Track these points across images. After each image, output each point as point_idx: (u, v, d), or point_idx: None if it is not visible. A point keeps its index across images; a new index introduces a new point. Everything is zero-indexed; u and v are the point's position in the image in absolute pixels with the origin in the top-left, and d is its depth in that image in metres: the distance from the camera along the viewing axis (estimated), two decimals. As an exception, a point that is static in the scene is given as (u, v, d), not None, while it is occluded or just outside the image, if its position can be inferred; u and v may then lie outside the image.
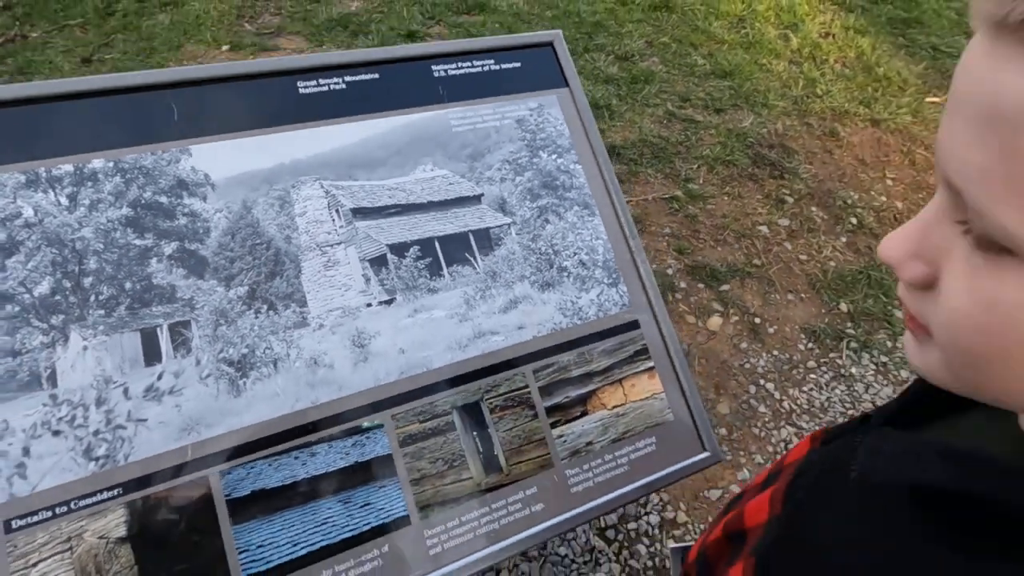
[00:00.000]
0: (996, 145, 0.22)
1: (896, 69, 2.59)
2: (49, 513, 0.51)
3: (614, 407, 0.68)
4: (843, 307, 1.78)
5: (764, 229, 1.92)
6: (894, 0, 3.09)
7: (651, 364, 0.72)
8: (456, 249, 0.68)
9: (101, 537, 0.51)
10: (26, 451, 0.52)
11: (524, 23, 2.69)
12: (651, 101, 2.31)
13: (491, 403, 0.64)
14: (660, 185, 1.99)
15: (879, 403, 1.58)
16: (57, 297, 0.57)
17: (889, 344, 1.71)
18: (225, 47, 2.40)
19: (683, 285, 1.75)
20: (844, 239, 1.94)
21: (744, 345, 1.65)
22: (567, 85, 0.80)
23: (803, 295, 1.79)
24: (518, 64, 0.78)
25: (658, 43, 2.65)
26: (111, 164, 0.62)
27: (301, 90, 0.69)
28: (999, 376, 0.25)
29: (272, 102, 0.68)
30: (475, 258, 0.68)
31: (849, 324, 1.74)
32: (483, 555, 0.59)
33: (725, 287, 1.76)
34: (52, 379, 0.55)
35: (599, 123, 2.15)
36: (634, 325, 0.73)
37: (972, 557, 0.25)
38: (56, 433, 0.54)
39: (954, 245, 0.26)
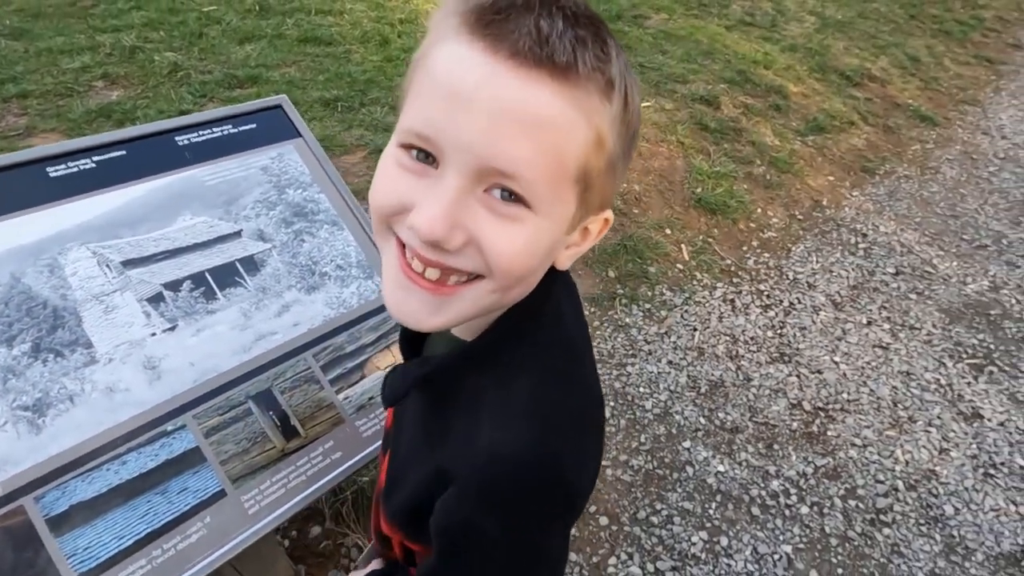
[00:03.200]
0: (537, 140, 0.34)
1: (616, 85, 3.22)
2: None
3: (386, 366, 0.88)
4: (611, 273, 2.19)
5: (540, 227, 2.29)
6: (607, 32, 3.83)
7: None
8: (226, 276, 0.83)
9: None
10: None
11: (299, 89, 2.86)
12: (428, 140, 2.61)
13: (281, 387, 0.80)
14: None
15: (650, 340, 1.99)
16: None
17: (649, 293, 2.15)
18: (-37, 157, 2.21)
19: (483, 286, 2.03)
20: (602, 222, 2.38)
21: (541, 322, 1.97)
22: (300, 135, 1.00)
23: (579, 272, 2.17)
24: (254, 125, 0.97)
25: (426, 91, 3.00)
26: None
27: (52, 174, 0.79)
28: (527, 284, 0.41)
29: (24, 189, 0.77)
30: (245, 280, 0.84)
31: (618, 286, 2.16)
32: (296, 500, 0.74)
33: (518, 280, 2.08)
34: None
35: (384, 166, 2.39)
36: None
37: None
38: None
39: (478, 213, 0.36)
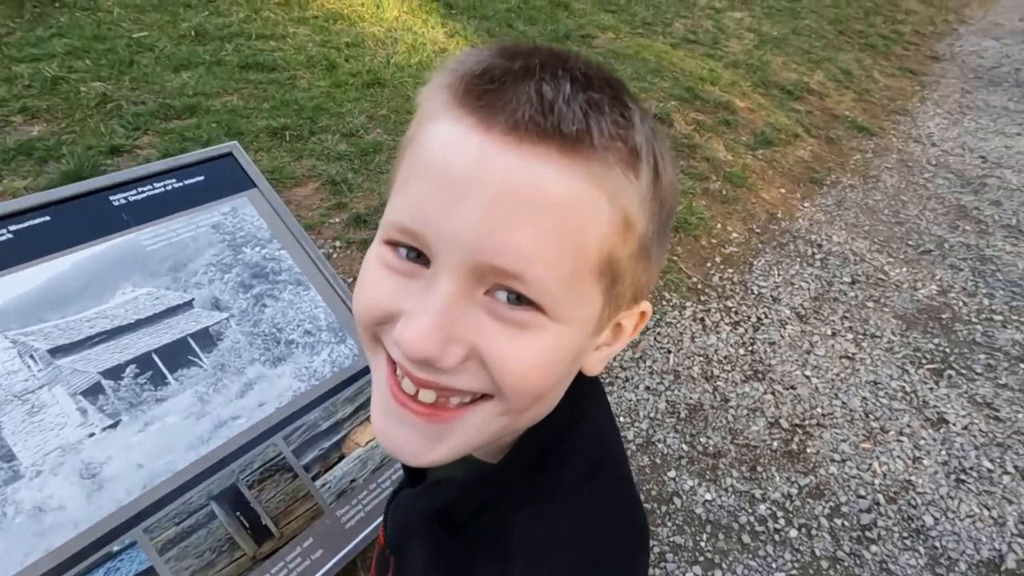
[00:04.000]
0: (548, 227, 0.27)
1: (571, 105, 3.23)
2: None
3: (367, 442, 0.79)
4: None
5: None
6: (557, 52, 3.85)
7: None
8: (177, 355, 0.73)
9: None
10: None
11: (242, 118, 2.72)
12: (384, 168, 2.52)
13: (248, 480, 0.70)
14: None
15: (626, 366, 1.95)
16: None
17: (621, 317, 2.12)
18: None
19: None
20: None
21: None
22: (255, 186, 0.90)
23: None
24: (202, 177, 0.87)
25: (378, 116, 2.91)
26: None
27: (-42, 250, 0.67)
28: (546, 403, 0.34)
29: (-77, 269, 0.65)
30: (200, 358, 0.74)
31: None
32: (273, 617, 0.64)
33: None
34: None
35: (339, 197, 2.29)
36: (368, 370, 0.85)
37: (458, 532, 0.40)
38: None
39: (480, 321, 0.30)
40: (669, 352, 2.02)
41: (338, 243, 2.12)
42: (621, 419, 1.78)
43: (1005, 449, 1.82)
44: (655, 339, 2.06)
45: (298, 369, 0.79)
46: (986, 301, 2.46)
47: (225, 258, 0.82)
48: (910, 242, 2.81)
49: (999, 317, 2.38)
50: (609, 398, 1.82)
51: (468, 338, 0.30)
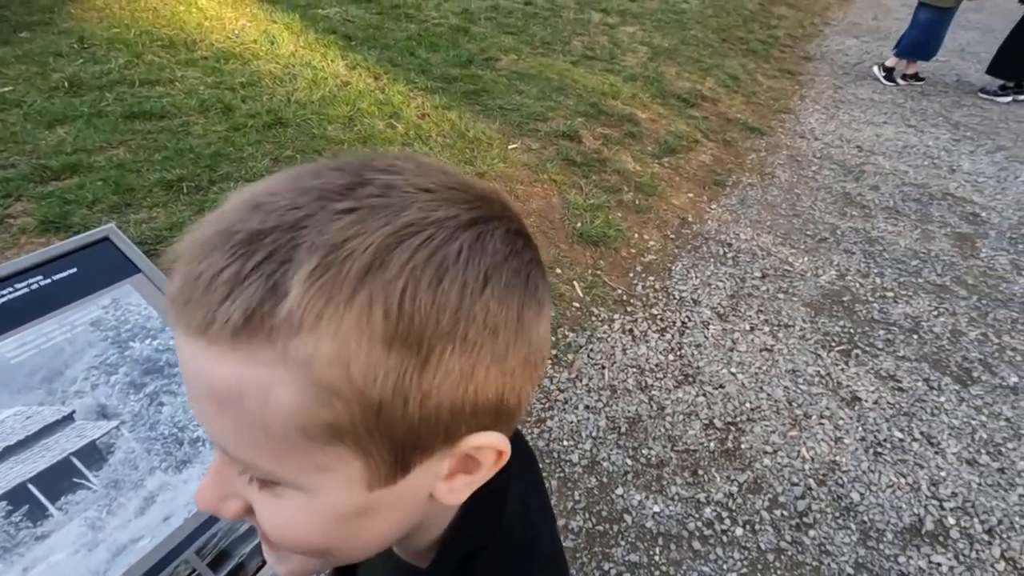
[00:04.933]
0: (231, 415, 0.29)
1: (481, 130, 3.25)
2: None
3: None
4: (512, 326, 2.15)
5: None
6: (462, 78, 3.88)
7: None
8: (59, 480, 0.65)
9: None
10: None
11: (132, 172, 2.53)
12: (294, 212, 2.42)
13: (159, 609, 0.63)
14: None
15: (564, 387, 1.96)
16: None
17: (553, 339, 2.14)
18: None
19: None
20: (493, 272, 2.34)
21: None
22: (139, 270, 0.83)
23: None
24: (74, 270, 0.78)
25: (283, 158, 2.80)
26: None
27: None
28: (345, 552, 0.34)
29: None
30: (87, 478, 0.66)
31: (522, 337, 2.12)
32: None
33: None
34: None
35: (249, 249, 2.16)
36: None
37: None
38: None
39: (248, 483, 0.33)
40: (603, 368, 2.06)
41: (252, 298, 2.00)
42: (564, 442, 1.78)
43: (911, 417, 1.98)
44: (588, 356, 2.09)
45: (206, 469, 0.72)
46: (878, 280, 2.69)
47: (109, 358, 0.74)
48: (808, 232, 3.04)
49: (891, 294, 2.61)
50: (551, 422, 1.82)
51: (243, 494, 0.33)
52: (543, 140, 3.26)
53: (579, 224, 2.71)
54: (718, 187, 3.37)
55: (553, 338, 2.13)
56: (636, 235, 2.80)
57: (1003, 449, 1.90)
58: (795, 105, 4.74)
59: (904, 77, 5.56)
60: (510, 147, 3.14)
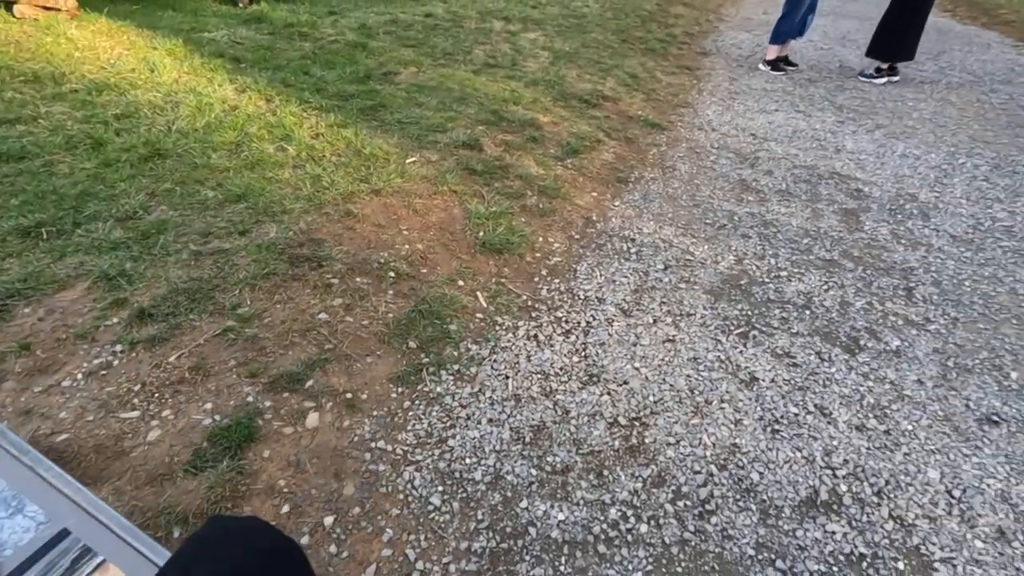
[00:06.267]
0: None
1: (378, 146, 3.17)
2: None
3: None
4: (412, 344, 2.08)
5: (324, 316, 2.10)
6: (359, 94, 3.79)
7: (100, 558, 0.71)
8: None
9: None
10: None
11: (-18, 222, 2.30)
12: (171, 249, 2.26)
13: None
14: (208, 324, 1.97)
15: (466, 403, 1.91)
16: None
17: (455, 353, 2.08)
18: None
19: (269, 403, 1.77)
20: (391, 291, 2.27)
21: (346, 423, 1.77)
22: None
23: (379, 352, 2.03)
24: None
25: (161, 191, 2.62)
26: None
27: None
28: None
29: None
30: None
31: (422, 355, 2.05)
32: None
33: (310, 383, 1.86)
34: None
35: (117, 293, 2.00)
36: (63, 534, 0.70)
37: None
38: None
39: None
40: (507, 378, 2.02)
41: (119, 347, 1.84)
42: (466, 460, 1.72)
43: (805, 391, 2.05)
44: (492, 367, 2.05)
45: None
46: (773, 261, 2.80)
47: None
48: (707, 221, 3.13)
49: (784, 273, 2.71)
50: (453, 441, 1.76)
51: None
52: (443, 151, 3.22)
53: (481, 233, 2.68)
54: (621, 184, 3.43)
55: (455, 352, 2.08)
56: (541, 239, 2.79)
57: (888, 411, 1.99)
58: (693, 99, 4.92)
59: (767, 62, 5.90)
60: (408, 161, 3.08)
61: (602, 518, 1.61)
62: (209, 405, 1.73)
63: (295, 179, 2.80)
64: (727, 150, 4.01)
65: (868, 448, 1.85)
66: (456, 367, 2.03)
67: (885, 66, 5.67)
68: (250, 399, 1.77)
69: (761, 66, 5.92)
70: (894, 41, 5.45)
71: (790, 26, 5.60)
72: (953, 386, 2.12)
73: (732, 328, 2.34)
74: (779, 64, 5.84)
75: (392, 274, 2.34)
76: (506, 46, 5.11)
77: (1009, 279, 2.75)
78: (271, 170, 2.85)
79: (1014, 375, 2.18)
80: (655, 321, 2.36)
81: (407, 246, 2.50)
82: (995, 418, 1.99)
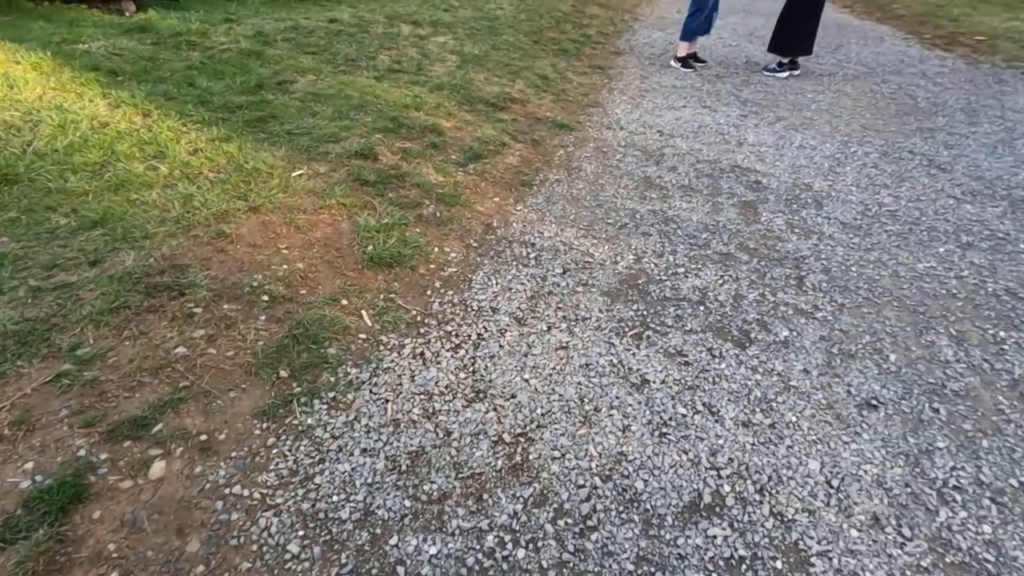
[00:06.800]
0: None
1: (262, 159, 2.99)
2: None
3: None
4: (283, 373, 1.93)
5: (182, 350, 1.91)
6: (248, 106, 3.57)
7: None
8: None
9: None
10: None
11: None
12: (6, 286, 2.02)
13: None
14: (39, 370, 1.75)
15: (338, 434, 1.78)
16: None
17: (332, 379, 1.95)
18: None
19: (105, 456, 1.58)
20: (264, 317, 2.11)
21: (198, 469, 1.61)
22: None
23: (245, 385, 1.87)
24: None
25: (3, 221, 2.35)
26: None
27: None
28: None
29: None
30: None
31: (294, 384, 1.90)
32: None
33: (158, 427, 1.68)
34: None
35: (-72, 343, 1.76)
36: None
37: None
38: None
39: None
40: (387, 402, 1.90)
41: (-76, 405, 1.61)
42: (333, 498, 1.59)
43: (695, 390, 2.03)
44: (371, 391, 1.93)
45: None
46: (671, 258, 2.80)
47: None
48: (610, 220, 3.11)
49: (682, 269, 2.71)
50: (320, 478, 1.63)
51: None
52: (333, 163, 3.06)
53: (370, 247, 2.55)
54: (525, 187, 3.37)
55: (332, 379, 1.94)
56: (436, 249, 2.69)
57: (774, 404, 1.99)
58: (603, 98, 4.94)
59: (677, 58, 6.06)
60: (294, 174, 2.91)
61: (478, 547, 1.51)
62: (30, 464, 1.53)
63: (163, 200, 2.58)
64: (634, 148, 4.03)
65: (753, 444, 1.84)
66: (331, 395, 1.90)
67: (786, 60, 5.90)
68: (82, 452, 1.57)
69: (672, 63, 6.04)
70: (791, 38, 5.67)
71: (697, 24, 5.74)
72: (837, 373, 2.15)
73: (627, 330, 2.31)
74: (689, 61, 5.97)
75: (266, 298, 2.17)
76: (413, 51, 4.98)
77: (892, 262, 2.85)
78: (137, 191, 2.62)
79: (892, 357, 2.24)
80: (549, 328, 2.29)
81: (285, 266, 2.34)
82: (874, 402, 2.03)
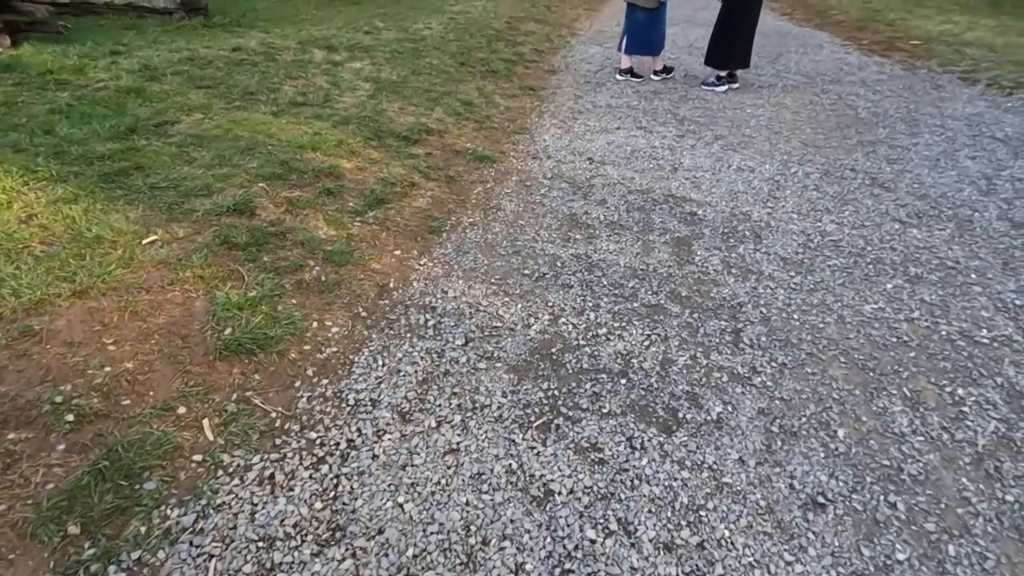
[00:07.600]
0: None
1: (110, 224, 2.52)
2: None
3: None
4: (73, 530, 1.48)
5: (-72, 511, 1.45)
6: (111, 155, 3.10)
7: None
8: None
9: None
10: None
11: None
12: None
13: None
14: None
15: (135, 617, 1.34)
16: None
17: (143, 528, 1.51)
18: None
19: None
20: (63, 446, 1.66)
21: None
22: None
23: (13, 556, 1.41)
24: None
25: None
26: None
27: None
28: None
29: None
30: None
31: (86, 544, 1.46)
32: None
33: None
34: None
35: None
36: None
37: None
38: None
39: None
40: (212, 557, 1.47)
41: None
42: None
43: (608, 501, 1.66)
44: (192, 544, 1.49)
45: None
46: (592, 315, 2.44)
47: None
48: (526, 271, 2.74)
49: (603, 330, 2.36)
50: None
51: None
52: (199, 223, 2.62)
53: (228, 331, 2.11)
54: (433, 236, 2.98)
55: (142, 529, 1.50)
56: (316, 324, 2.27)
57: (703, 513, 1.64)
58: (532, 123, 4.61)
59: (656, 72, 5.87)
60: (145, 241, 2.46)
61: None
62: None
63: (-37, 288, 2.10)
64: (561, 179, 3.69)
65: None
66: (137, 554, 1.46)
67: (724, 73, 5.69)
68: None
69: (618, 75, 5.82)
70: (725, 50, 5.46)
71: (650, 44, 5.59)
72: (778, 460, 1.81)
73: (532, 420, 1.93)
74: (635, 71, 5.81)
75: (70, 417, 1.72)
76: (323, 79, 4.57)
77: (837, 304, 2.56)
78: (-67, 278, 2.13)
79: (841, 433, 1.92)
80: (439, 424, 1.90)
81: (107, 368, 1.89)
82: (821, 499, 1.70)
